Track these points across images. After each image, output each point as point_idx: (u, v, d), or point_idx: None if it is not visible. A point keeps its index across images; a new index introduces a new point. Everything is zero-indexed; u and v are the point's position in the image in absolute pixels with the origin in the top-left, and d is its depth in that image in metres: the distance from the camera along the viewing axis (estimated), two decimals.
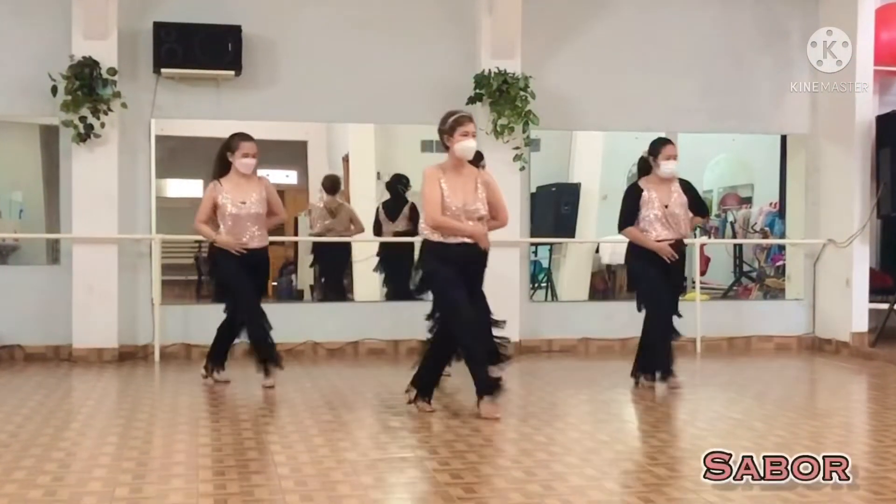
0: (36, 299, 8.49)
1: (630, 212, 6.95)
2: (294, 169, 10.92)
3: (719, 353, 9.30)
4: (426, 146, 11.19)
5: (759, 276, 11.00)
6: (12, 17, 8.46)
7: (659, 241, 6.84)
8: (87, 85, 8.13)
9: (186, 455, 5.00)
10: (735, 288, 11.04)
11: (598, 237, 11.28)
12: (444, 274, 5.84)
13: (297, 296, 10.33)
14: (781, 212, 10.46)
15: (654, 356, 6.91)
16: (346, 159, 11.18)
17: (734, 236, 11.23)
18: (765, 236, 10.83)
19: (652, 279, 6.90)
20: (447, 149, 5.95)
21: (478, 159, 7.27)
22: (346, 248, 10.21)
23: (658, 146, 6.95)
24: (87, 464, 4.80)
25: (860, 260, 9.29)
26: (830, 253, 9.57)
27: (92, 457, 4.95)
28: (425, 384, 6.11)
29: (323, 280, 10.38)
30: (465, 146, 5.89)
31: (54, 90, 8.15)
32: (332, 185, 10.19)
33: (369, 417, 6.14)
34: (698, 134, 9.97)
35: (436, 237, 5.89)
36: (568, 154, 11.29)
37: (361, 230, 9.98)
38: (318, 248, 10.28)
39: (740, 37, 9.64)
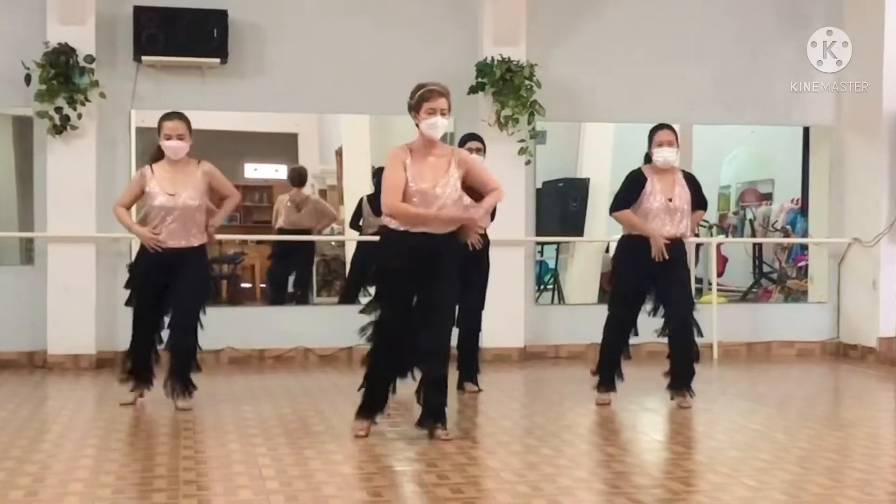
0: (8, 302, 8.47)
1: (627, 196, 6.70)
2: (284, 163, 10.93)
3: (737, 360, 9.30)
4: None
5: (779, 277, 10.99)
6: None
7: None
8: (63, 73, 8.11)
9: (168, 468, 5.00)
10: (754, 290, 11.04)
11: (608, 236, 11.25)
12: (392, 276, 5.49)
13: (286, 299, 10.29)
14: (804, 209, 10.45)
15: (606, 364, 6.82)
16: (339, 152, 11.16)
17: (753, 235, 11.23)
18: (786, 235, 10.83)
19: (628, 282, 6.71)
20: (418, 126, 5.58)
21: (465, 141, 7.21)
22: (310, 246, 10.19)
23: (651, 133, 6.74)
24: (62, 478, 4.80)
25: (888, 260, 9.27)
26: (856, 252, 9.56)
27: (68, 470, 4.95)
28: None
29: (272, 281, 10.36)
30: (431, 124, 5.47)
31: (28, 79, 8.13)
32: (298, 176, 10.13)
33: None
34: (715, 126, 9.97)
35: (395, 224, 5.48)
36: (576, 147, 11.26)
37: (334, 219, 9.85)
38: (275, 247, 10.24)
39: (759, 23, 9.62)
